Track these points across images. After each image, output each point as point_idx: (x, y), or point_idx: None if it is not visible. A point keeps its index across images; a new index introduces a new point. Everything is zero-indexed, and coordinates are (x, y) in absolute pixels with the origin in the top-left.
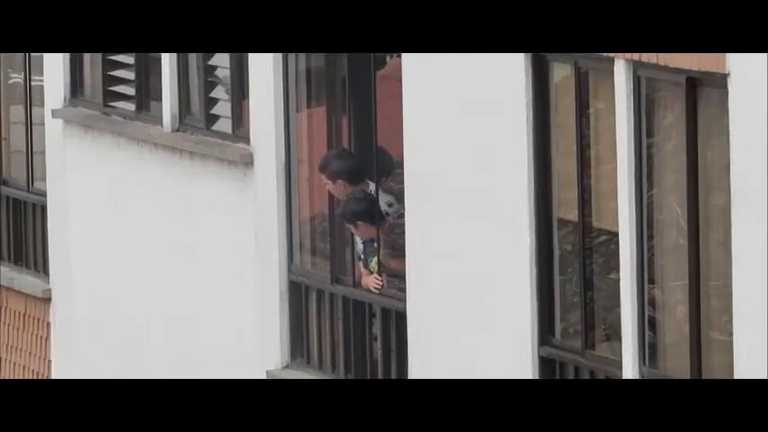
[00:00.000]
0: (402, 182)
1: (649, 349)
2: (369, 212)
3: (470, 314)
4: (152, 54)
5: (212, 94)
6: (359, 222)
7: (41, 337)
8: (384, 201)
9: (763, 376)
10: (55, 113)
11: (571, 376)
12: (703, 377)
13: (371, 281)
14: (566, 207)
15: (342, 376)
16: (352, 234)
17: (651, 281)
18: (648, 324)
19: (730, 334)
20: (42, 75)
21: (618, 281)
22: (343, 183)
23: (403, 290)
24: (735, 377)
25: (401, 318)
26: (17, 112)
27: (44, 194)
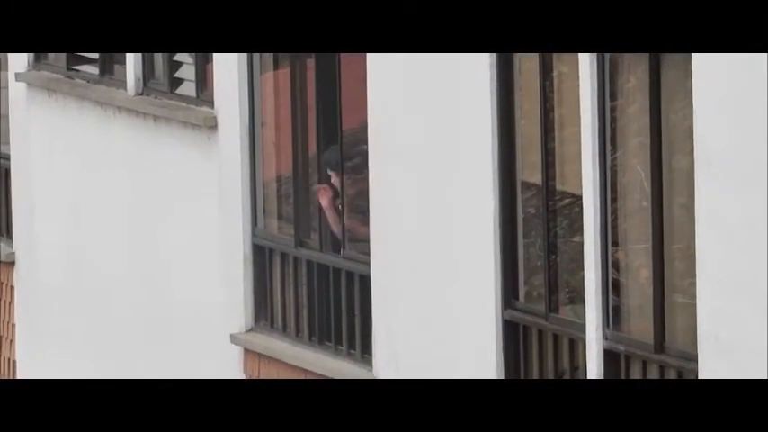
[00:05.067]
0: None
1: (613, 312)
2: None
3: (433, 278)
4: None
5: (176, 58)
6: (332, 179)
7: (5, 301)
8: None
9: (725, 340)
10: (18, 77)
11: (535, 339)
12: (666, 340)
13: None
14: (529, 170)
15: (306, 340)
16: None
17: (615, 244)
18: (612, 287)
19: (693, 297)
20: None
21: (581, 244)
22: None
23: (367, 254)
24: (697, 340)
25: (365, 281)
26: None
27: (8, 158)
